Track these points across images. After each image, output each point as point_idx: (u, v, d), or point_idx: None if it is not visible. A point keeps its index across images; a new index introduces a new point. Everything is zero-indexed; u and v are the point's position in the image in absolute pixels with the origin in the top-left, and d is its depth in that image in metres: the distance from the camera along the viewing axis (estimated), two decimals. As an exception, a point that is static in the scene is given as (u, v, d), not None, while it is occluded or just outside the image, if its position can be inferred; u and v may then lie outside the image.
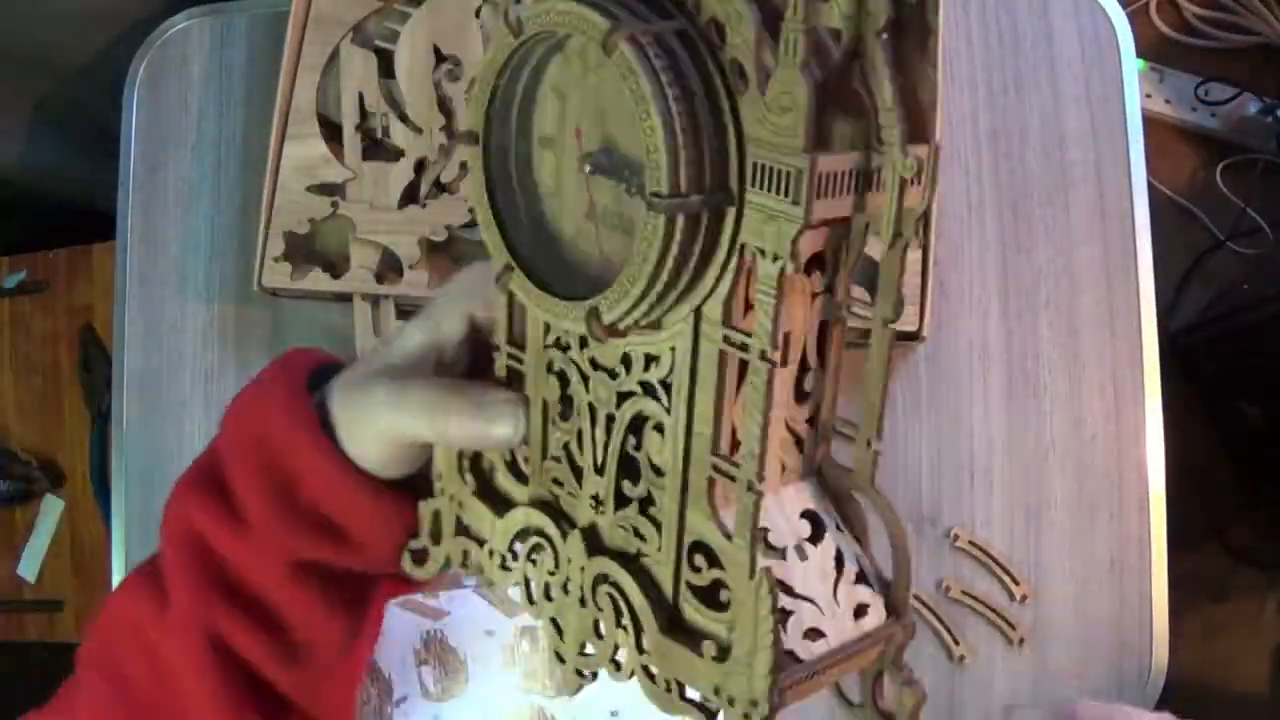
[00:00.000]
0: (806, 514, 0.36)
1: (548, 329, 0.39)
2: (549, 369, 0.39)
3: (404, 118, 0.80)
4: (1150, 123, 1.06)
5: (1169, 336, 1.32)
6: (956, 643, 0.75)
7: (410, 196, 0.79)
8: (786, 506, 0.36)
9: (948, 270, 0.79)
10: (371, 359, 0.44)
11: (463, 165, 0.79)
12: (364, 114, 0.81)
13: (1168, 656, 0.74)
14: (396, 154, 0.80)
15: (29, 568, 1.17)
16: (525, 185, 0.38)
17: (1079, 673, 0.74)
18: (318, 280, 0.78)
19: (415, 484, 0.43)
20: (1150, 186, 0.79)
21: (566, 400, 0.39)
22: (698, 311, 0.34)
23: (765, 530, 0.35)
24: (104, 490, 1.14)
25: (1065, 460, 0.77)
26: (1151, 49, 1.40)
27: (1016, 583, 0.75)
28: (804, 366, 0.35)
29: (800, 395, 0.36)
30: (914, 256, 0.72)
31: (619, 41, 0.31)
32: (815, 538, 0.36)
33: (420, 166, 0.79)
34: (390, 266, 0.78)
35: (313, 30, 0.81)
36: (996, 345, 0.79)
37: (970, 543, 0.76)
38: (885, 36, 0.30)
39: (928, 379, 0.79)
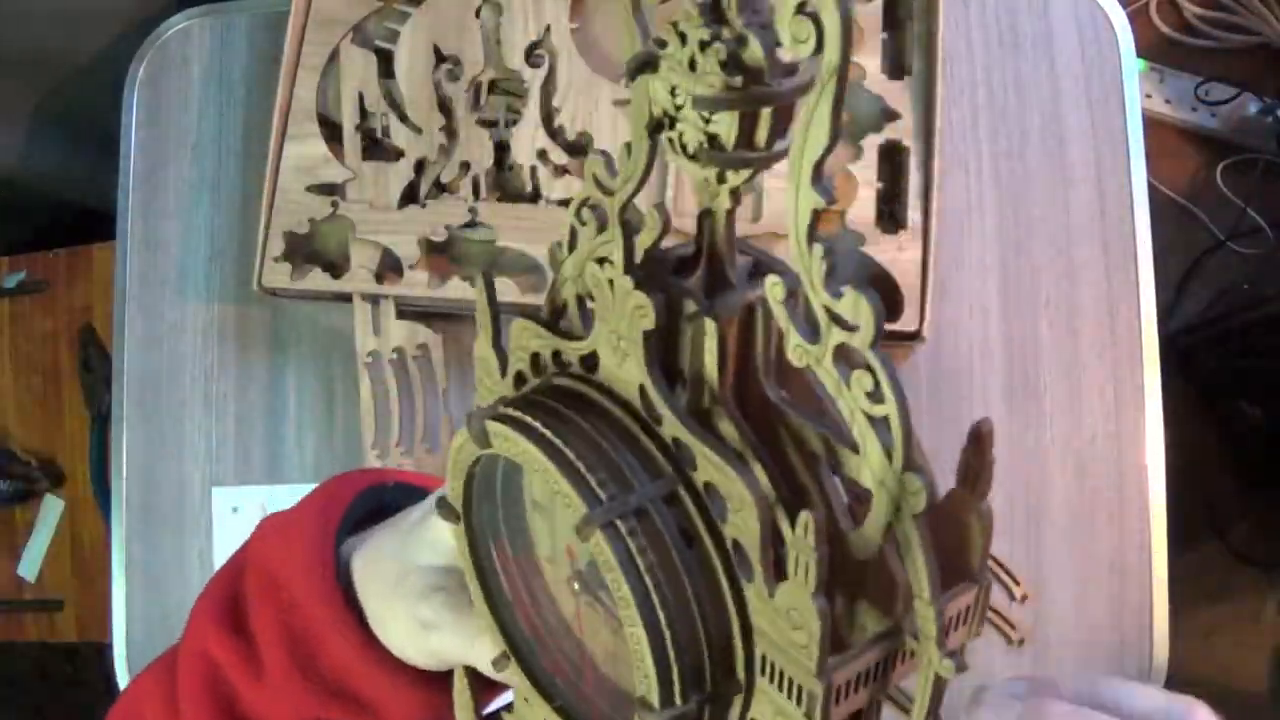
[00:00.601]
0: None
1: None
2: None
3: (404, 118, 0.80)
4: (1150, 123, 1.06)
5: (1169, 336, 1.32)
6: (956, 643, 0.75)
7: (410, 196, 0.79)
8: None
9: (948, 270, 0.79)
10: (407, 543, 0.41)
11: (463, 165, 0.79)
12: (364, 114, 0.81)
13: (1168, 656, 0.74)
14: (396, 154, 0.80)
15: (29, 568, 1.17)
16: (521, 555, 0.34)
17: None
18: (318, 280, 0.78)
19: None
20: (1150, 186, 0.79)
21: None
22: None
23: None
24: (104, 490, 1.14)
25: (1065, 460, 0.77)
26: (1151, 49, 1.40)
27: (1017, 582, 0.75)
28: None
29: None
30: (914, 256, 0.72)
31: (593, 532, 0.27)
32: None
33: (420, 166, 0.79)
34: (390, 266, 0.78)
35: (313, 30, 0.81)
36: (996, 345, 0.79)
37: None
38: (923, 521, 0.26)
39: (928, 379, 0.79)
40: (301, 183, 0.79)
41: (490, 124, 0.80)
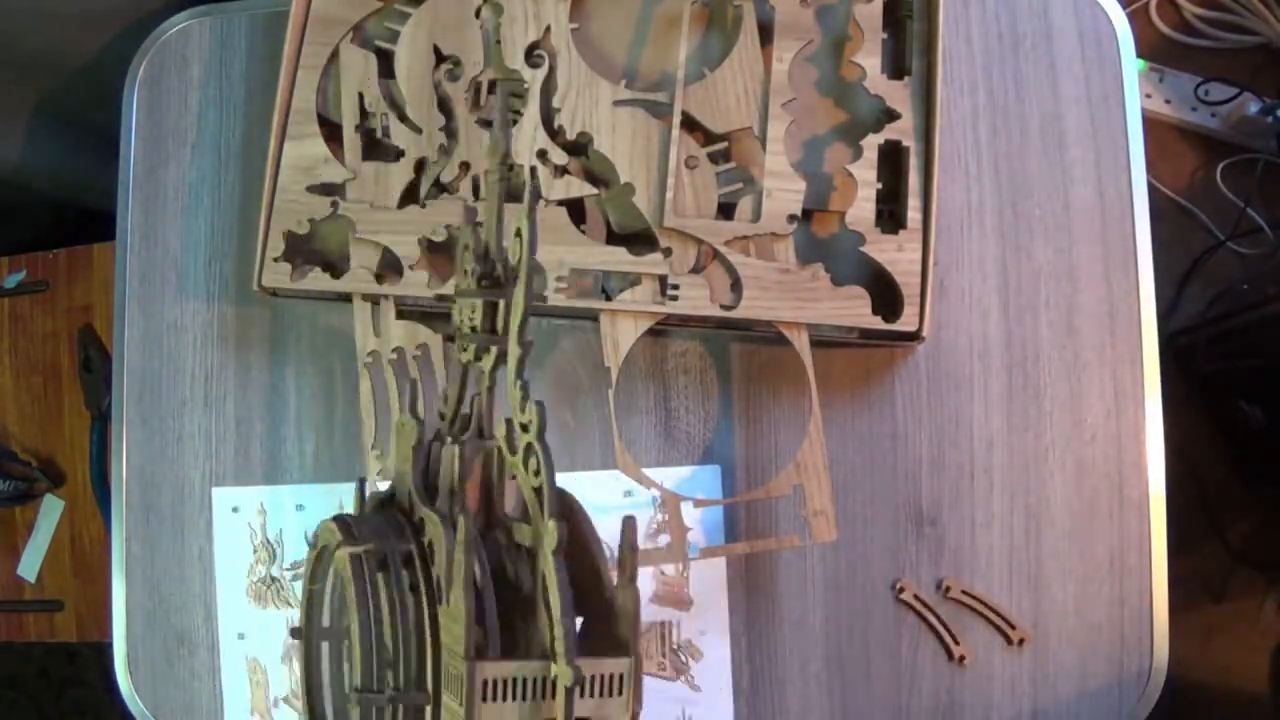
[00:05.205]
0: None
1: None
2: None
3: (404, 118, 0.80)
4: (1150, 123, 1.06)
5: (1169, 336, 1.32)
6: (956, 642, 0.75)
7: (410, 196, 0.79)
8: None
9: (948, 270, 0.79)
10: None
11: (463, 165, 0.79)
12: (364, 114, 0.81)
13: (1168, 656, 0.74)
14: (396, 154, 0.80)
15: (29, 568, 1.17)
16: (337, 673, 0.46)
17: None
18: (318, 280, 0.78)
19: None
20: (1150, 186, 0.79)
21: None
22: None
23: None
24: (104, 490, 1.14)
25: (1065, 460, 0.77)
26: (1151, 49, 1.40)
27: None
28: None
29: None
30: (914, 256, 0.72)
31: (338, 552, 0.37)
32: None
33: (420, 166, 0.79)
34: (390, 266, 0.78)
35: (313, 30, 0.81)
36: (996, 345, 0.79)
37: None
38: (559, 557, 0.35)
39: (928, 379, 0.79)
40: (301, 183, 0.79)
41: (490, 124, 0.80)
